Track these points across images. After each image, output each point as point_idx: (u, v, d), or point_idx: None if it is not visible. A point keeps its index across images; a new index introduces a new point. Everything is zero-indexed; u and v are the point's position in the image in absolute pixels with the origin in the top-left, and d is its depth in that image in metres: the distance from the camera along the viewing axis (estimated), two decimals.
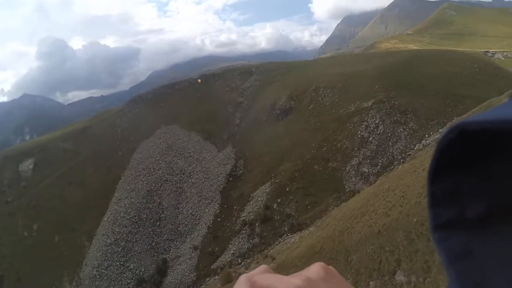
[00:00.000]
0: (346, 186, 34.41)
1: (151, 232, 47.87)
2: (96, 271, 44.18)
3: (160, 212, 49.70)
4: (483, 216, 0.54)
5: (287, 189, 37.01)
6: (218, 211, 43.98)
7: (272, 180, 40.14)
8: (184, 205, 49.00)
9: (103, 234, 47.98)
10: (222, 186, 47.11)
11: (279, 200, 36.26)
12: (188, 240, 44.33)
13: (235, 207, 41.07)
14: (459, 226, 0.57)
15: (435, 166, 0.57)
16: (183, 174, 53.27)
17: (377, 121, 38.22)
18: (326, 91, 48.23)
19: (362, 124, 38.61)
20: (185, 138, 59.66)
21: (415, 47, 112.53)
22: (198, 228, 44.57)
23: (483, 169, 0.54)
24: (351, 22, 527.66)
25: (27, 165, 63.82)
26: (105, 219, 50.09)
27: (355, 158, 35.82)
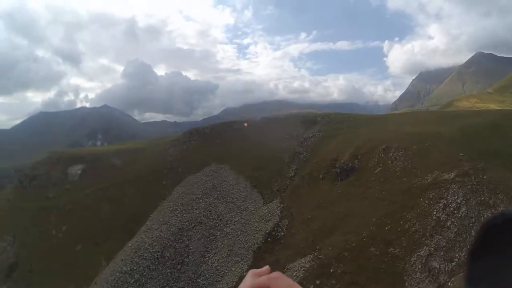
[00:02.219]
0: (406, 283, 26.50)
1: (169, 274, 44.26)
2: None
3: (185, 255, 45.92)
4: None
5: (331, 270, 30.17)
6: (245, 274, 38.00)
7: (316, 254, 33.67)
8: (212, 256, 44.45)
9: (122, 260, 46.65)
10: (257, 245, 41.75)
11: (317, 282, 29.54)
12: None
13: None
14: None
15: (478, 244, 0.60)
16: (220, 220, 49.38)
17: (459, 200, 30.11)
18: (398, 153, 41.31)
19: (440, 202, 30.73)
20: (232, 182, 56.61)
21: (497, 107, 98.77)
22: (218, 286, 39.24)
23: None
24: (427, 78, 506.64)
25: (75, 169, 67.62)
26: (129, 245, 48.79)
27: (425, 247, 27.88)
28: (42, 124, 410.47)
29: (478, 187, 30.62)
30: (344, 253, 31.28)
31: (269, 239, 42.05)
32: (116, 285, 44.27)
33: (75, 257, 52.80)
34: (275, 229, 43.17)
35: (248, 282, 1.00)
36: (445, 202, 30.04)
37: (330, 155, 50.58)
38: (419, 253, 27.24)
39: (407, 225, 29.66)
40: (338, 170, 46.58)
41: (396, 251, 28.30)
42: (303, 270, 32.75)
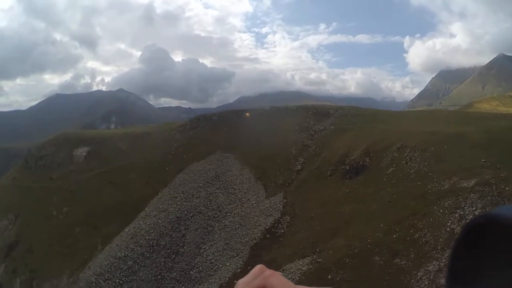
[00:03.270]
0: None
1: (162, 263, 43.15)
2: (95, 278, 42.40)
3: (180, 245, 44.55)
4: None
5: (329, 277, 27.80)
6: (239, 270, 36.50)
7: (315, 256, 31.33)
8: (207, 248, 42.82)
9: (117, 245, 46.06)
10: (255, 241, 39.74)
11: None
12: None
13: None
14: None
15: (460, 243, 0.63)
16: (220, 211, 47.56)
17: (477, 212, 26.85)
18: (414, 153, 38.01)
19: (456, 213, 27.62)
20: (236, 172, 54.54)
21: None
22: (210, 281, 37.67)
23: (506, 257, 0.58)
24: (446, 77, 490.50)
25: (81, 152, 67.22)
26: (126, 230, 48.26)
27: (434, 262, 25.01)
28: (58, 106, 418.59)
29: (499, 199, 27.29)
30: (345, 259, 28.78)
31: (268, 236, 39.93)
32: (109, 270, 43.59)
33: (74, 239, 52.40)
34: (275, 225, 40.96)
35: None
36: (462, 213, 26.93)
37: (341, 150, 47.61)
38: (427, 268, 24.44)
39: (417, 235, 26.77)
40: (348, 168, 43.67)
41: (402, 262, 25.58)
42: (300, 273, 30.53)
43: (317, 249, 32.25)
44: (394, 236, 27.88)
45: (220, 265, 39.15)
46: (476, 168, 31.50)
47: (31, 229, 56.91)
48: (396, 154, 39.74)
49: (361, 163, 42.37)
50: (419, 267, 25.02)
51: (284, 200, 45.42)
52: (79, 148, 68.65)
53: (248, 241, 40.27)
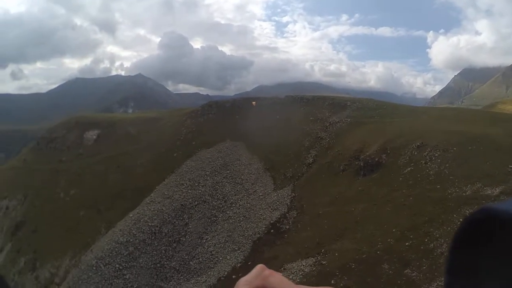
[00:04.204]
0: None
1: (163, 251, 42.28)
2: (96, 262, 42.21)
3: (183, 234, 43.49)
4: None
5: (332, 282, 25.68)
6: (239, 264, 34.94)
7: (319, 258, 29.27)
8: (210, 238, 41.52)
9: (120, 230, 45.62)
10: (258, 235, 38.04)
11: None
12: (192, 282, 36.69)
13: None
14: None
15: (459, 237, 0.65)
16: (225, 201, 46.05)
17: None
18: (435, 153, 34.96)
19: None
20: (245, 161, 52.74)
21: None
22: (209, 273, 36.42)
23: (504, 252, 0.60)
24: (469, 76, 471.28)
25: (91, 135, 67.27)
26: (130, 215, 47.67)
27: None
28: (77, 89, 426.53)
29: None
30: (351, 264, 26.54)
31: (272, 231, 38.10)
32: (110, 255, 43.17)
33: (78, 222, 52.46)
34: (281, 220, 39.03)
35: None
36: None
37: (356, 145, 44.85)
38: (440, 283, 21.91)
39: (432, 245, 24.14)
40: (362, 164, 40.95)
41: (413, 274, 23.11)
42: (301, 275, 28.60)
43: (322, 250, 30.14)
44: (407, 243, 25.35)
45: (221, 258, 37.76)
46: (502, 174, 28.29)
47: (38, 210, 57.51)
48: (415, 153, 36.72)
49: (376, 159, 39.57)
50: (431, 281, 22.51)
51: (292, 194, 43.36)
52: (90, 131, 68.60)
53: (251, 235, 38.61)
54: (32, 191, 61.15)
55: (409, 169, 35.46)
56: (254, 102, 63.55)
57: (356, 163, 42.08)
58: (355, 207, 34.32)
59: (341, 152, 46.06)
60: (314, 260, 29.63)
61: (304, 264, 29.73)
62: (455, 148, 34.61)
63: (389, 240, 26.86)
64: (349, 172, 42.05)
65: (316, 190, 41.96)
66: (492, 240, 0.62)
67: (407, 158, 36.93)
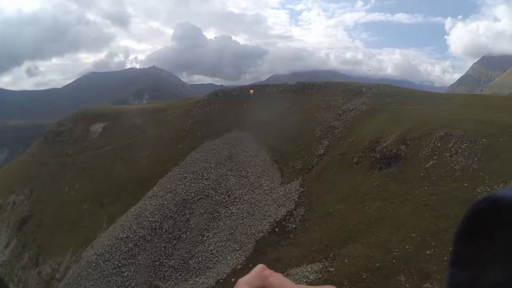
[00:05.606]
0: None
1: (163, 249, 40.26)
2: (95, 258, 41.01)
3: (183, 230, 41.19)
4: (498, 286, 0.59)
5: None
6: (239, 266, 32.21)
7: (327, 264, 25.95)
8: (211, 236, 38.94)
9: (121, 225, 43.94)
10: (261, 234, 35.04)
11: None
12: (190, 283, 34.47)
13: None
14: None
15: (464, 228, 0.64)
16: (229, 196, 43.21)
17: None
18: (461, 144, 30.62)
19: None
20: (251, 152, 49.52)
21: None
22: (208, 274, 34.03)
23: (510, 241, 0.59)
24: (489, 63, 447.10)
25: (97, 127, 65.98)
26: (132, 210, 45.98)
27: None
28: (92, 83, 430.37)
29: None
30: (362, 273, 23.10)
31: (277, 229, 34.98)
32: (110, 251, 41.58)
33: (81, 216, 51.28)
34: (287, 218, 35.79)
35: None
36: None
37: (372, 134, 40.74)
38: None
39: None
40: (378, 156, 36.91)
41: None
42: (305, 282, 25.30)
43: (330, 255, 26.78)
44: (428, 252, 21.59)
45: (221, 258, 35.10)
46: None
47: (43, 204, 56.78)
48: (439, 144, 32.39)
49: (394, 151, 35.42)
50: None
51: (301, 188, 39.92)
52: (96, 124, 67.16)
53: (254, 233, 35.66)
54: (39, 185, 60.52)
55: (431, 162, 31.25)
56: (252, 91, 59.94)
57: (372, 155, 38.06)
58: (369, 206, 30.59)
59: (355, 142, 42.02)
60: (320, 266, 26.34)
61: (309, 270, 26.50)
62: (484, 140, 30.10)
63: (407, 246, 23.15)
64: (363, 165, 38.11)
65: (327, 185, 38.35)
66: (497, 229, 0.61)
67: (429, 150, 32.66)
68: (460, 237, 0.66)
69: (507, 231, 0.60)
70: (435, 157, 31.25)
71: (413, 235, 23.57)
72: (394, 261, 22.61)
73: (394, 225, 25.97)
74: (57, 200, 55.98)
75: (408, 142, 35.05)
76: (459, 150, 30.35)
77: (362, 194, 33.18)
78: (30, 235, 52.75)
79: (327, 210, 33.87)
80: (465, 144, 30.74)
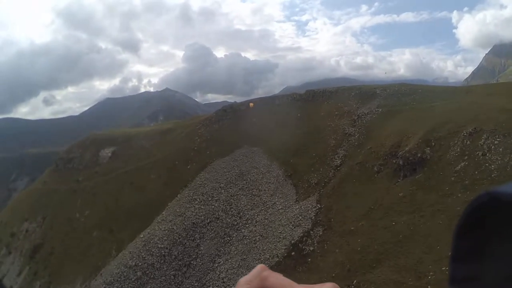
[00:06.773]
0: None
1: (172, 277, 37.78)
2: (104, 287, 39.61)
3: (194, 257, 38.48)
4: (501, 280, 0.61)
5: None
6: None
7: None
8: (222, 262, 35.96)
9: (130, 252, 42.05)
10: (276, 259, 31.81)
11: None
12: None
13: None
14: (476, 285, 0.64)
15: (464, 223, 0.64)
16: (240, 218, 40.34)
17: None
18: (494, 140, 26.73)
19: None
20: (263, 169, 46.76)
21: None
22: None
23: (509, 235, 0.61)
24: (501, 52, 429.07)
25: (106, 152, 65.74)
26: (141, 236, 44.07)
27: None
28: (108, 108, 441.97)
29: None
30: None
31: (293, 253, 31.59)
32: (119, 279, 39.95)
33: (90, 243, 50.12)
34: (304, 239, 32.36)
35: None
36: None
37: (391, 139, 37.14)
38: None
39: None
40: (401, 162, 33.22)
41: None
42: None
43: (354, 282, 23.19)
44: None
45: (233, 287, 31.82)
46: None
47: (55, 231, 56.35)
48: (468, 142, 28.53)
49: (419, 155, 31.68)
50: None
51: (318, 205, 36.50)
52: (105, 149, 66.72)
53: (268, 258, 32.40)
54: (50, 212, 60.22)
55: (462, 164, 27.38)
56: (251, 104, 57.69)
57: (394, 161, 34.42)
58: (395, 221, 26.88)
59: (374, 149, 38.46)
60: None
61: None
62: None
63: (443, 268, 19.37)
64: (385, 174, 34.45)
65: (347, 199, 34.78)
66: (498, 224, 0.62)
67: (458, 150, 28.81)
68: (461, 232, 0.65)
69: (508, 225, 0.61)
70: (465, 158, 27.39)
71: (450, 253, 19.78)
72: (428, 287, 18.86)
73: (426, 243, 22.20)
74: (68, 227, 55.44)
75: (433, 144, 31.30)
76: (492, 147, 26.46)
77: (387, 208, 29.48)
78: (42, 263, 52.17)
79: (348, 228, 30.27)
80: (498, 139, 26.83)
